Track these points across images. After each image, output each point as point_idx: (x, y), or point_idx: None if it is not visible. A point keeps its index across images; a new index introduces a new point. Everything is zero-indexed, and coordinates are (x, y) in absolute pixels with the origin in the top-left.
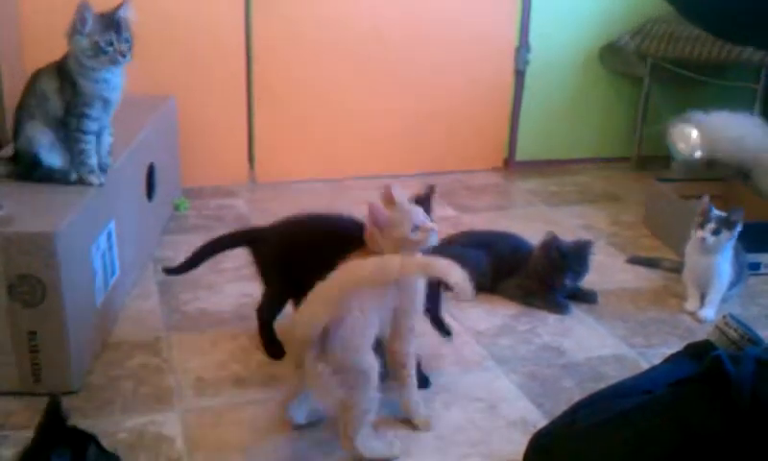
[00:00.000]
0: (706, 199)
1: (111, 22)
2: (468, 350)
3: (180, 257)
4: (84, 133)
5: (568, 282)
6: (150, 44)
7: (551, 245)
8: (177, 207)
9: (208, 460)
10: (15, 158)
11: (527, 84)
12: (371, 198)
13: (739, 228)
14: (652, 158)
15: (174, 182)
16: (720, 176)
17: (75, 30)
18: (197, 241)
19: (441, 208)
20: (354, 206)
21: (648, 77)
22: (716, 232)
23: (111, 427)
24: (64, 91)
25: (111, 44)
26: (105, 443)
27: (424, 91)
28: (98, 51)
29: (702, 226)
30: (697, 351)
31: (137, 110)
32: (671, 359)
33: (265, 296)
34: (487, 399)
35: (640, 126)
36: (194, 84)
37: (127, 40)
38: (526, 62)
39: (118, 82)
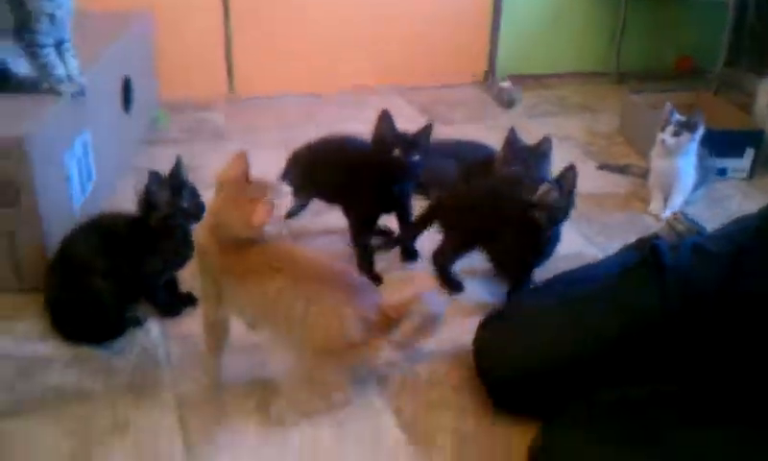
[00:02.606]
0: (668, 105)
1: None
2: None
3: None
4: (40, 47)
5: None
6: None
7: (507, 137)
8: (156, 121)
9: (181, 346)
10: None
11: None
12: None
13: (701, 130)
14: (630, 73)
15: (152, 96)
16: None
17: None
18: (175, 152)
19: (416, 121)
20: (334, 119)
21: None
22: (676, 134)
23: None
24: (12, 4)
25: None
26: None
27: (404, 6)
28: None
29: (663, 129)
30: (643, 244)
31: (112, 24)
32: (620, 252)
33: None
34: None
35: (619, 40)
36: None
37: None
38: None
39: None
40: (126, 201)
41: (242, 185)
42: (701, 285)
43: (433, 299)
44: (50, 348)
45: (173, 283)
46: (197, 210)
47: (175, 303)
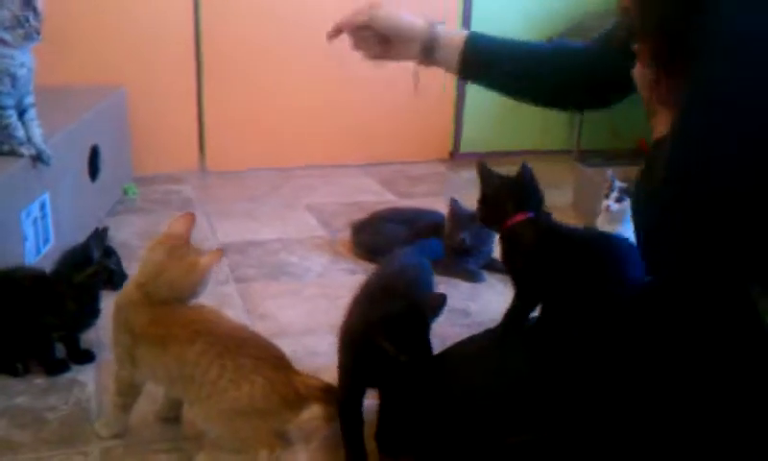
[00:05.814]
0: (610, 172)
1: (29, 1)
2: None
3: (121, 235)
4: (2, 108)
5: (466, 240)
6: (100, 35)
7: (450, 206)
8: (126, 192)
9: None
10: None
11: None
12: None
13: None
14: (594, 151)
15: (124, 169)
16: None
17: None
18: (141, 223)
19: (380, 194)
20: (299, 191)
21: None
22: (619, 200)
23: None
24: None
25: (28, 20)
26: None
27: (371, 85)
28: (16, 24)
29: (607, 196)
30: None
31: (83, 97)
32: None
33: None
34: None
35: (580, 120)
36: (144, 75)
37: (40, 20)
38: None
39: (25, 59)
40: None
41: (186, 242)
42: None
43: None
44: None
45: (74, 339)
46: (120, 277)
47: (63, 360)
